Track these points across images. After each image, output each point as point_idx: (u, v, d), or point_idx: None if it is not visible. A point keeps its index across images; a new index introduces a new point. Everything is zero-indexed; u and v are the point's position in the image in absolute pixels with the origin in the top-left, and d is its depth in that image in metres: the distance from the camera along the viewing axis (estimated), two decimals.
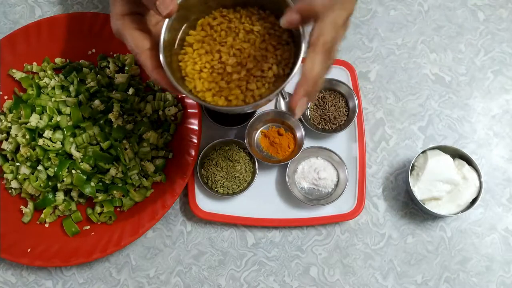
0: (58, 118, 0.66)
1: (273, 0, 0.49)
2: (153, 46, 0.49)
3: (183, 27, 0.51)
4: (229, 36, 0.50)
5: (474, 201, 0.65)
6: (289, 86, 0.70)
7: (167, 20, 0.48)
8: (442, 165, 0.65)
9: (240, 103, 0.49)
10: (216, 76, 0.50)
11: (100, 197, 0.65)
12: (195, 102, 0.69)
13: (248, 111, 0.50)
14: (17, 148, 0.67)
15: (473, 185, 0.65)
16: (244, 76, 0.49)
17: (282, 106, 0.72)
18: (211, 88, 0.49)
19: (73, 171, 0.64)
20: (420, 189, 0.65)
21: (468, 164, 0.66)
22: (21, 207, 0.67)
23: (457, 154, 0.67)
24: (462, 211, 0.65)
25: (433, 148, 0.67)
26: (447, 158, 0.66)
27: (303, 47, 0.47)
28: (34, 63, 0.72)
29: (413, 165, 0.67)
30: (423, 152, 0.67)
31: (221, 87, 0.49)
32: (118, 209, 0.68)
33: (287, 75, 0.49)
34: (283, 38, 0.50)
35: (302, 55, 0.47)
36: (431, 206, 0.65)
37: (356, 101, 0.69)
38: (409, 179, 0.66)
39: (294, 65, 0.48)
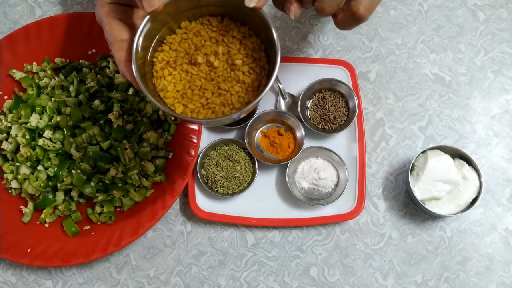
0: (58, 118, 0.66)
1: (257, 22, 0.50)
2: (129, 38, 0.48)
3: (165, 26, 0.51)
4: (208, 43, 0.51)
5: (474, 201, 0.65)
6: (290, 86, 0.71)
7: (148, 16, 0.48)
8: (442, 165, 0.65)
9: (202, 113, 0.49)
10: (185, 82, 0.50)
11: (100, 197, 0.65)
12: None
13: (210, 125, 0.51)
14: (17, 148, 0.67)
15: (473, 185, 0.65)
16: (212, 86, 0.50)
17: (282, 106, 0.72)
18: (179, 90, 0.50)
19: (73, 171, 0.64)
20: (420, 189, 0.65)
21: (468, 164, 0.66)
22: (21, 207, 0.67)
23: (457, 154, 0.67)
24: (462, 211, 0.65)
25: (433, 148, 0.67)
26: (447, 158, 0.66)
27: (277, 65, 0.48)
28: (34, 63, 0.72)
29: (413, 165, 0.67)
30: (423, 152, 0.67)
31: (185, 93, 0.50)
32: (118, 209, 0.68)
33: (259, 91, 0.50)
34: (259, 59, 0.51)
35: (275, 73, 0.48)
36: (431, 206, 0.65)
37: (356, 101, 0.69)
38: (409, 179, 0.66)
39: (269, 80, 0.48)
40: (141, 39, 0.48)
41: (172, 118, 0.67)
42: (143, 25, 0.48)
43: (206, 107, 0.50)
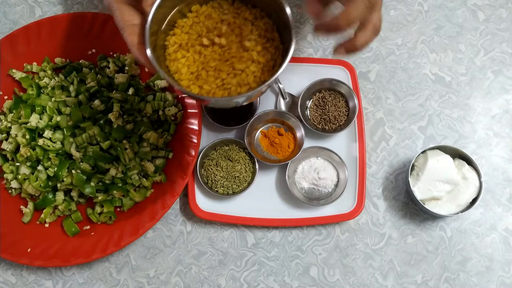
0: (58, 118, 0.66)
1: (268, 3, 0.50)
2: (141, 23, 0.49)
3: (175, 9, 0.51)
4: (219, 25, 0.51)
5: (474, 201, 0.65)
6: (290, 86, 0.71)
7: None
8: (442, 165, 0.65)
9: (218, 93, 0.49)
10: (199, 64, 0.50)
11: (100, 197, 0.65)
12: (195, 102, 0.69)
13: (234, 105, 0.51)
14: (17, 148, 0.67)
15: (473, 185, 0.65)
16: (227, 67, 0.50)
17: (282, 106, 0.72)
18: (193, 72, 0.50)
19: (73, 171, 0.64)
20: (420, 189, 0.65)
21: (468, 164, 0.66)
22: (21, 207, 0.67)
23: (457, 154, 0.67)
24: (462, 211, 0.65)
25: (433, 148, 0.67)
26: (447, 158, 0.66)
27: (293, 43, 0.48)
28: (34, 63, 0.72)
29: (413, 165, 0.67)
30: (423, 152, 0.67)
31: (200, 75, 0.50)
32: (118, 209, 0.68)
33: (275, 70, 0.50)
34: (272, 40, 0.51)
35: (291, 51, 0.48)
36: (431, 206, 0.65)
37: (356, 101, 0.69)
38: (409, 179, 0.66)
39: (284, 59, 0.48)
40: (150, 20, 0.48)
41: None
42: (154, 9, 0.48)
43: (221, 88, 0.50)
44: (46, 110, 0.66)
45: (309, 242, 0.69)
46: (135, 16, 0.49)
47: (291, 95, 0.72)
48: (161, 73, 0.47)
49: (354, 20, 0.49)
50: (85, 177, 0.64)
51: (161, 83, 0.71)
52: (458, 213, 0.64)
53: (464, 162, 0.66)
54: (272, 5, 0.50)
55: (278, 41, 0.51)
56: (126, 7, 0.50)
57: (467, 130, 0.72)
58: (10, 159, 0.68)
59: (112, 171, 0.65)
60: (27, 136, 0.65)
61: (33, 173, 0.66)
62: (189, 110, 0.69)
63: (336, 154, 0.68)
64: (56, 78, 0.70)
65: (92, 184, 0.65)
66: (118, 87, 0.69)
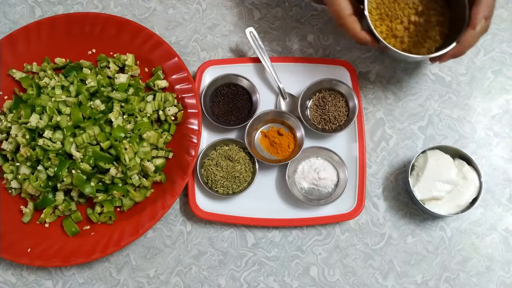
0: (58, 118, 0.66)
1: None
2: (352, 12, 0.59)
3: None
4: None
5: (474, 201, 0.65)
6: (290, 86, 0.71)
7: None
8: (442, 165, 0.65)
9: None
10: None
11: (100, 197, 0.65)
12: (195, 102, 0.69)
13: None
14: (17, 148, 0.67)
15: (473, 185, 0.65)
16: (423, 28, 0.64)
17: (282, 106, 0.72)
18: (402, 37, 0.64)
19: (73, 171, 0.64)
20: (420, 189, 0.65)
21: (468, 164, 0.66)
22: (21, 207, 0.67)
23: (457, 154, 0.67)
24: (462, 211, 0.65)
25: (433, 148, 0.67)
26: (447, 158, 0.66)
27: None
28: (34, 63, 0.72)
29: (413, 165, 0.67)
30: (423, 152, 0.67)
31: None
32: (118, 209, 0.68)
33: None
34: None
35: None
36: (431, 206, 0.65)
37: (356, 101, 0.69)
38: (409, 179, 0.66)
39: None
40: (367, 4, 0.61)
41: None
42: None
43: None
44: (46, 110, 0.66)
45: (309, 242, 0.69)
46: (348, 7, 0.59)
47: (291, 95, 0.72)
48: (390, 48, 0.60)
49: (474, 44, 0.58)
50: (85, 177, 0.64)
51: (161, 83, 0.71)
52: (458, 213, 0.64)
53: (464, 162, 0.66)
54: None
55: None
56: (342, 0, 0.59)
57: (467, 130, 0.72)
58: (10, 159, 0.68)
59: (112, 171, 0.65)
60: (27, 136, 0.65)
61: (33, 173, 0.66)
62: (189, 110, 0.69)
63: (336, 154, 0.68)
64: (56, 78, 0.70)
65: (92, 184, 0.65)
66: (118, 87, 0.69)
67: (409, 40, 0.64)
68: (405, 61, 0.74)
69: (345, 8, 0.59)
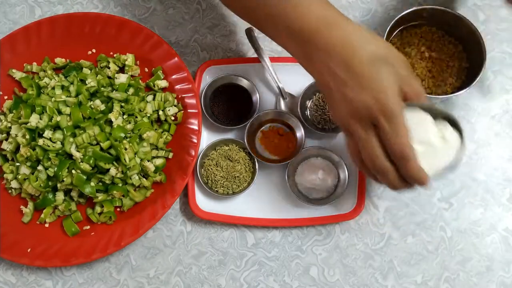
0: (58, 118, 0.66)
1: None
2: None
3: None
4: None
5: (452, 168, 0.55)
6: (290, 86, 0.70)
7: None
8: (418, 123, 0.54)
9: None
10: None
11: (100, 197, 0.65)
12: (195, 102, 0.69)
13: None
14: (17, 148, 0.67)
15: (452, 148, 0.55)
16: None
17: (282, 106, 0.72)
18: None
19: (73, 171, 0.64)
20: None
21: (453, 127, 0.55)
22: (21, 207, 0.67)
23: (441, 115, 0.56)
24: (435, 175, 0.54)
25: (412, 106, 0.53)
26: (426, 116, 0.54)
27: None
28: (34, 63, 0.72)
29: None
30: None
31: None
32: (118, 209, 0.68)
33: None
34: None
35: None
36: None
37: None
38: None
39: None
40: None
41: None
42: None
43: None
44: (46, 110, 0.66)
45: (309, 242, 0.69)
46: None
47: (291, 95, 0.72)
48: None
49: None
50: (85, 177, 0.64)
51: (161, 83, 0.71)
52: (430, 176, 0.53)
53: (448, 124, 0.56)
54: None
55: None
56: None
57: (467, 130, 0.72)
58: (10, 159, 0.68)
59: (112, 171, 0.65)
60: (27, 136, 0.65)
61: (33, 173, 0.66)
62: (189, 110, 0.69)
63: (336, 154, 0.68)
64: (56, 78, 0.70)
65: (92, 184, 0.65)
66: (118, 87, 0.69)
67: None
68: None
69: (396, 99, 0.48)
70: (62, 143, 0.65)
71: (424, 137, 0.54)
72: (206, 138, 0.71)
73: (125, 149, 0.65)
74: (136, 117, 0.68)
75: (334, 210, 0.68)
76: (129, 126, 0.67)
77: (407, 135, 0.48)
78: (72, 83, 0.69)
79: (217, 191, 0.68)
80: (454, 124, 0.55)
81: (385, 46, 0.50)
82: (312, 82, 0.69)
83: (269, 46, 0.74)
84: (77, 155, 0.64)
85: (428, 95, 0.66)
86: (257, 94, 0.70)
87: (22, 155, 0.65)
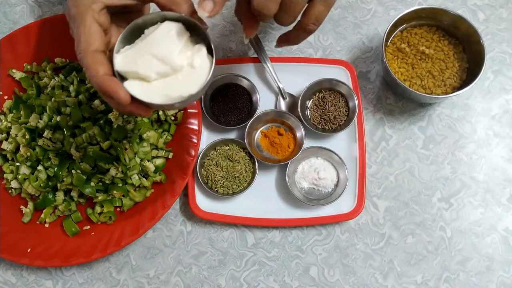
0: (58, 118, 0.66)
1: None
2: (104, 47, 0.47)
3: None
4: None
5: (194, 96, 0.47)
6: (290, 86, 0.70)
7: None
8: (164, 37, 0.47)
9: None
10: None
11: (100, 197, 0.65)
12: (195, 102, 0.69)
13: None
14: (17, 148, 0.67)
15: (198, 77, 0.47)
16: None
17: (282, 106, 0.72)
18: None
19: (73, 171, 0.64)
20: (125, 56, 0.47)
21: (209, 52, 0.49)
22: (21, 207, 0.67)
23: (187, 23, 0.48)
24: (175, 103, 0.47)
25: (165, 20, 0.48)
26: (173, 25, 0.47)
27: None
28: (34, 63, 0.72)
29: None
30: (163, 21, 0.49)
31: None
32: (118, 209, 0.68)
33: None
34: None
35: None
36: (133, 85, 0.47)
37: (356, 101, 0.69)
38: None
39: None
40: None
41: (172, 118, 0.68)
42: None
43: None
44: (46, 110, 0.66)
45: (309, 242, 0.69)
46: (99, 41, 0.46)
47: (291, 95, 0.72)
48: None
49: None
50: (85, 177, 0.64)
51: None
52: (170, 104, 0.47)
53: (204, 48, 0.48)
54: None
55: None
56: (96, 26, 0.46)
57: (467, 130, 0.72)
58: (10, 159, 0.68)
59: (112, 171, 0.65)
60: (27, 136, 0.65)
61: (33, 173, 0.66)
62: (189, 110, 0.69)
63: (336, 154, 0.68)
64: (56, 78, 0.70)
65: (92, 184, 0.65)
66: None
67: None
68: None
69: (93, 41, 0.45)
70: (62, 143, 0.65)
71: (166, 54, 0.47)
72: (206, 138, 0.71)
73: (125, 149, 0.65)
74: (136, 117, 0.68)
75: (334, 210, 0.68)
76: (129, 126, 0.67)
77: None
78: (72, 83, 0.69)
79: (217, 191, 0.68)
80: (210, 48, 0.49)
81: None
82: (312, 82, 0.69)
83: (269, 46, 0.74)
84: (77, 155, 0.64)
85: (428, 95, 0.66)
86: (257, 94, 0.70)
87: (22, 155, 0.65)
